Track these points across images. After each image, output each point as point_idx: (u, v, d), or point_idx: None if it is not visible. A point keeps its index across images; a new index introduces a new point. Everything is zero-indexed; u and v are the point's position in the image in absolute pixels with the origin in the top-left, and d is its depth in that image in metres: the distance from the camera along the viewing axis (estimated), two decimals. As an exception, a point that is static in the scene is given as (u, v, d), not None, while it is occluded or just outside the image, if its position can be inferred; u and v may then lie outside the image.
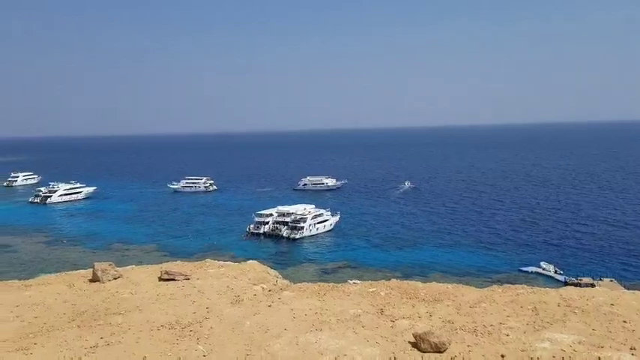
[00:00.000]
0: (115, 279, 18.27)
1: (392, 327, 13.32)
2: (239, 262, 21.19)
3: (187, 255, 79.07)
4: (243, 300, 15.70)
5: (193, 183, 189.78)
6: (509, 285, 17.44)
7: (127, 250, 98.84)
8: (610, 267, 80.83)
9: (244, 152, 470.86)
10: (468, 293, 16.09)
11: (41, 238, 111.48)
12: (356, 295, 15.66)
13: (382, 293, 15.74)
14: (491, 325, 13.23)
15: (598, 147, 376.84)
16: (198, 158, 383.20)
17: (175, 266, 19.75)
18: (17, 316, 14.92)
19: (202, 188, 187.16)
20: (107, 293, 16.90)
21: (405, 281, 17.30)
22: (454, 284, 17.77)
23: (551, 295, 15.52)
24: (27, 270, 79.10)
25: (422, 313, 14.21)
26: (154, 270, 19.47)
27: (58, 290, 17.44)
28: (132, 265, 22.60)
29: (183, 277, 17.87)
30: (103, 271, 18.16)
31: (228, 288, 16.93)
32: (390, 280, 17.51)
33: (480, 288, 17.23)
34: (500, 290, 16.47)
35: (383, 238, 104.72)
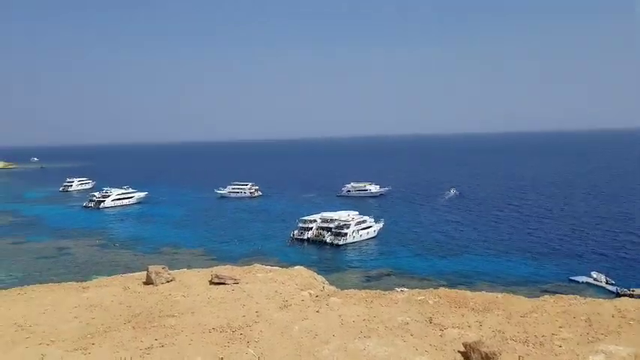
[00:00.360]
0: (168, 282, 18.84)
1: (441, 336, 13.27)
2: (286, 268, 21.50)
3: (233, 259, 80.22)
4: (291, 305, 15.93)
5: (239, 189, 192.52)
6: (561, 295, 17.04)
7: (176, 253, 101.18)
8: (664, 279, 77.34)
9: (283, 159, 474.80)
10: (518, 303, 15.83)
11: (94, 241, 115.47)
12: (404, 303, 15.65)
13: (430, 301, 15.67)
14: (543, 336, 13.00)
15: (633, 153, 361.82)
16: (240, 165, 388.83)
17: (225, 270, 20.20)
18: (76, 317, 15.54)
19: (247, 194, 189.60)
20: (160, 296, 17.44)
21: (453, 290, 17.15)
22: (504, 293, 17.49)
23: (605, 306, 15.09)
24: (81, 272, 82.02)
25: (471, 322, 14.08)
26: (204, 274, 19.98)
27: (114, 292, 18.11)
28: (182, 268, 23.19)
29: (232, 281, 18.29)
30: (156, 273, 18.79)
31: (276, 293, 17.21)
32: (438, 288, 17.41)
33: (530, 298, 16.91)
34: (551, 300, 16.13)
35: (427, 246, 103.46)
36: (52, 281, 25.47)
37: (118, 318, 15.34)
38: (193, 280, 19.31)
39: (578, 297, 16.46)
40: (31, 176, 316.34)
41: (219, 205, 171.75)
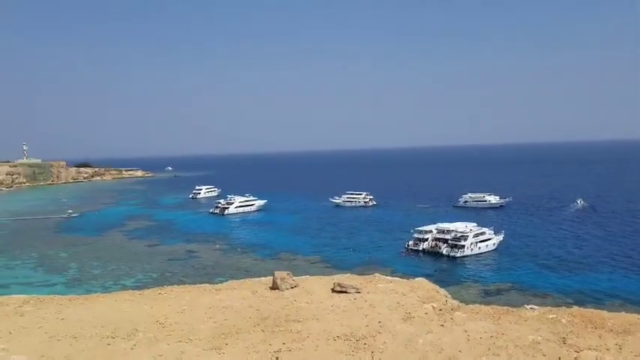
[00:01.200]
0: (292, 288, 19.55)
1: (576, 358, 12.48)
2: (407, 279, 21.35)
3: (348, 268, 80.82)
4: (414, 317, 15.80)
5: (353, 198, 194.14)
6: None
7: (293, 259, 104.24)
8: None
9: (395, 168, 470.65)
10: (663, 327, 14.41)
11: (219, 245, 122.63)
12: (534, 321, 14.89)
13: (563, 320, 14.77)
14: (696, 365, 11.74)
15: None
16: (352, 174, 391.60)
17: (346, 279, 20.52)
18: (210, 318, 16.57)
19: (362, 203, 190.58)
20: (286, 301, 18.13)
21: (588, 309, 16.03)
22: (646, 316, 15.99)
23: None
24: (208, 274, 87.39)
25: (610, 345, 13.08)
26: (326, 281, 20.45)
27: (243, 295, 19.11)
28: (300, 274, 23.87)
29: (354, 290, 18.55)
30: (282, 279, 19.59)
31: (398, 304, 17.16)
32: (571, 307, 16.37)
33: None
34: None
35: (551, 261, 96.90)
36: (182, 282, 27.46)
37: (248, 320, 16.14)
38: (315, 287, 19.82)
39: None
40: (165, 184, 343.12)
41: (334, 214, 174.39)
